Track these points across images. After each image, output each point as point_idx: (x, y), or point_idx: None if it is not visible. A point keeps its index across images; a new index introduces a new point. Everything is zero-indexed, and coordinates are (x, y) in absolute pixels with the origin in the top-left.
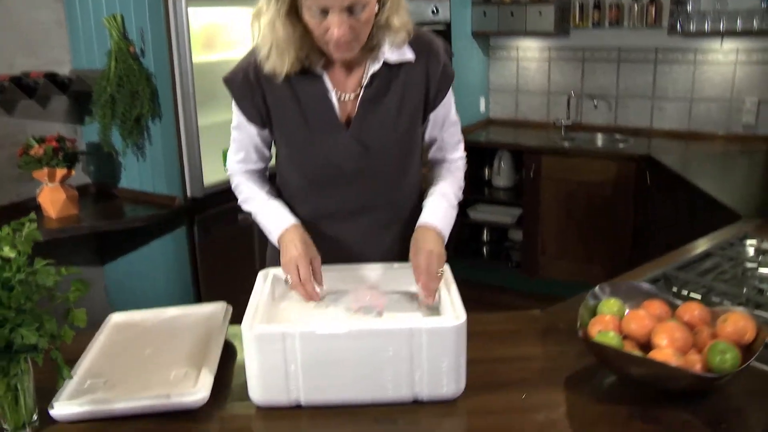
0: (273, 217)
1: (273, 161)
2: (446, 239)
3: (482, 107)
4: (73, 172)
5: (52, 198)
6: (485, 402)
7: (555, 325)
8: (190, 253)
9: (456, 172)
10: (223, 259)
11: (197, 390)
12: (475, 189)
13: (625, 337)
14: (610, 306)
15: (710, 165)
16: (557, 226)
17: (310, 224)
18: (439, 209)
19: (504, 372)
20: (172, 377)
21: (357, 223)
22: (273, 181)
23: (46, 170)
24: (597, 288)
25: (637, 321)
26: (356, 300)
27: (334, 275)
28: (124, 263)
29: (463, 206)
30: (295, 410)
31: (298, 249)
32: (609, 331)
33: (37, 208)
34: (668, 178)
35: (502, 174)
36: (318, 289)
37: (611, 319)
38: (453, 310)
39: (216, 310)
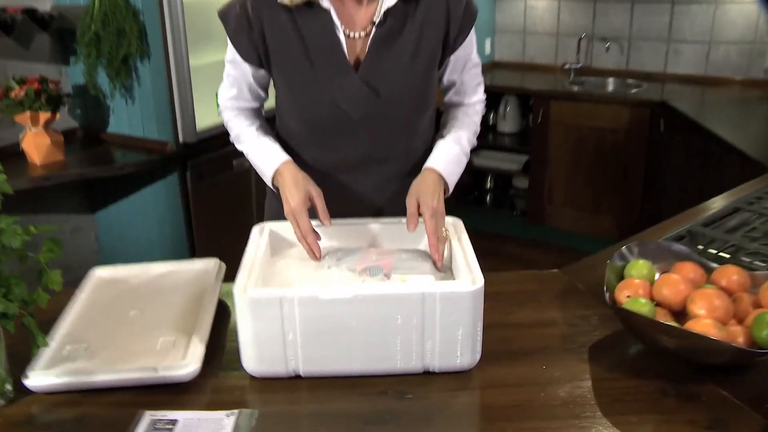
0: (264, 157)
1: (273, 103)
2: (451, 188)
3: (488, 49)
4: (58, 116)
5: (36, 143)
6: (502, 374)
7: (574, 287)
8: (183, 201)
9: (474, 116)
10: (218, 207)
11: (187, 363)
12: (479, 135)
13: (657, 303)
14: (639, 268)
15: (728, 112)
16: (565, 174)
17: (312, 176)
18: (450, 154)
19: (522, 339)
20: (159, 345)
21: (365, 175)
22: (272, 124)
23: (28, 114)
24: (624, 248)
25: (670, 286)
26: (362, 260)
27: (337, 231)
28: (115, 211)
29: None
30: (294, 381)
31: (294, 198)
32: (639, 297)
33: (21, 154)
34: (683, 125)
35: (507, 119)
36: (326, 228)
37: (641, 283)
38: (469, 272)
39: (208, 267)
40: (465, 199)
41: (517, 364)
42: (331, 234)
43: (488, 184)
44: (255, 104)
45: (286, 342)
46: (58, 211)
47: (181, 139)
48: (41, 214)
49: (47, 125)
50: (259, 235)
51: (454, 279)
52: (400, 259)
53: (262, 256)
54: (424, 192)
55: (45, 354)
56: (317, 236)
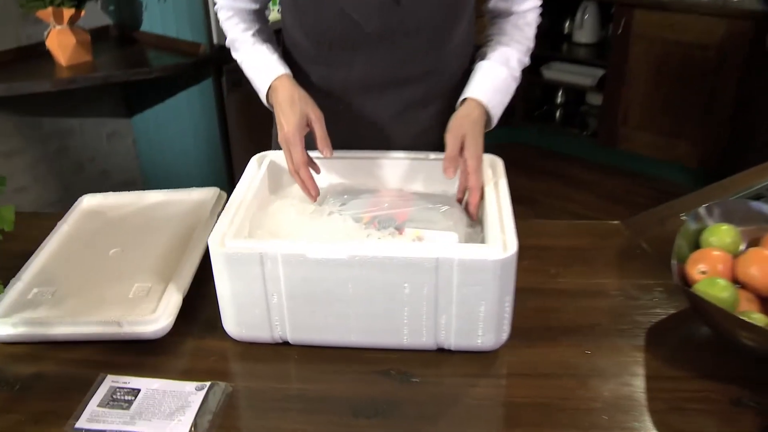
0: (259, 69)
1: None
2: (495, 123)
3: None
4: (83, 13)
5: (61, 42)
6: (533, 358)
7: (637, 246)
8: (218, 106)
9: (525, 29)
10: (254, 114)
11: (155, 318)
12: (551, 44)
13: (741, 285)
14: (720, 235)
15: None
16: (644, 93)
17: (318, 100)
18: (497, 80)
19: (564, 312)
20: (133, 293)
21: (381, 101)
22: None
23: (50, 10)
24: (702, 208)
25: (761, 264)
26: (371, 205)
27: (345, 165)
28: (151, 115)
29: (536, 63)
30: (281, 348)
31: (289, 121)
32: (717, 275)
33: (47, 54)
34: None
35: (585, 28)
36: (324, 158)
37: (721, 255)
38: (501, 233)
39: (205, 198)
40: (532, 114)
41: (554, 346)
42: (339, 170)
43: (558, 99)
44: (254, 4)
45: (270, 305)
46: (95, 114)
47: (215, 40)
48: (76, 117)
49: (72, 22)
50: (257, 168)
51: (483, 237)
52: (419, 208)
53: (255, 194)
54: (471, 132)
55: (9, 296)
56: (315, 169)
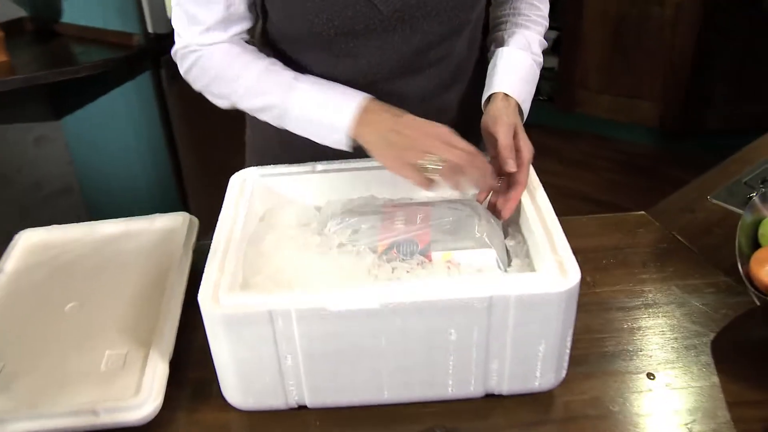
0: (326, 101)
1: None
2: (525, 116)
3: None
4: None
5: None
6: (594, 394)
7: (671, 238)
8: (158, 101)
9: (540, 5)
10: (199, 107)
11: (140, 400)
12: None
13: None
14: None
15: None
16: (601, 54)
17: None
18: (521, 68)
19: (614, 332)
20: (105, 364)
21: (392, 92)
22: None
23: None
24: (756, 198)
25: None
26: (383, 228)
27: (349, 177)
28: (84, 115)
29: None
30: (300, 414)
31: (425, 122)
32: None
33: None
34: None
35: None
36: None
37: None
38: (554, 255)
39: (174, 225)
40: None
41: (614, 374)
42: (334, 183)
43: None
44: (248, 23)
45: (283, 369)
46: (18, 119)
47: (150, 28)
48: None
49: None
50: (239, 192)
51: (526, 248)
52: (439, 221)
53: (242, 228)
54: (519, 123)
55: None
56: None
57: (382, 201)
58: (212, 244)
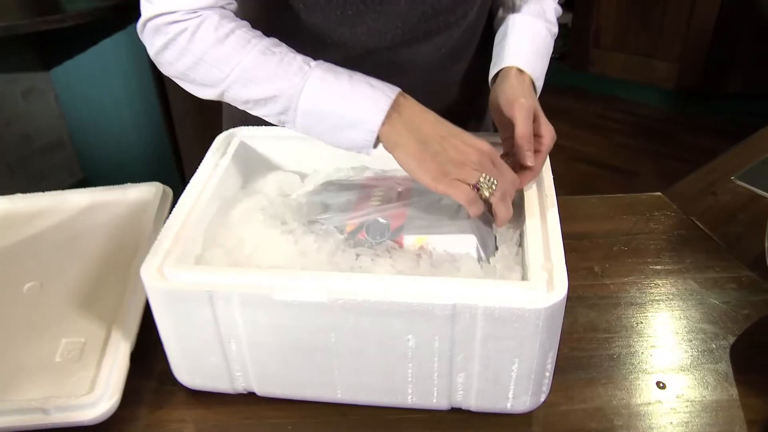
0: (355, 83)
1: None
2: (539, 91)
3: None
4: None
5: None
6: (584, 405)
7: (689, 223)
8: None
9: None
10: None
11: (94, 398)
12: None
13: None
14: None
15: None
16: (618, 10)
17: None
18: (535, 39)
19: (620, 330)
20: (61, 354)
21: (402, 59)
22: None
23: None
24: None
25: None
26: (356, 205)
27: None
28: (74, 66)
29: None
30: (250, 402)
31: (468, 136)
32: None
33: None
34: None
35: None
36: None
37: None
38: (545, 262)
39: (147, 197)
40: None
41: (620, 381)
42: (321, 152)
43: None
44: None
45: (228, 354)
46: (4, 69)
47: None
48: None
49: None
50: (220, 154)
51: (518, 237)
52: (420, 200)
53: (212, 194)
54: (538, 105)
55: None
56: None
57: (372, 173)
58: (174, 210)
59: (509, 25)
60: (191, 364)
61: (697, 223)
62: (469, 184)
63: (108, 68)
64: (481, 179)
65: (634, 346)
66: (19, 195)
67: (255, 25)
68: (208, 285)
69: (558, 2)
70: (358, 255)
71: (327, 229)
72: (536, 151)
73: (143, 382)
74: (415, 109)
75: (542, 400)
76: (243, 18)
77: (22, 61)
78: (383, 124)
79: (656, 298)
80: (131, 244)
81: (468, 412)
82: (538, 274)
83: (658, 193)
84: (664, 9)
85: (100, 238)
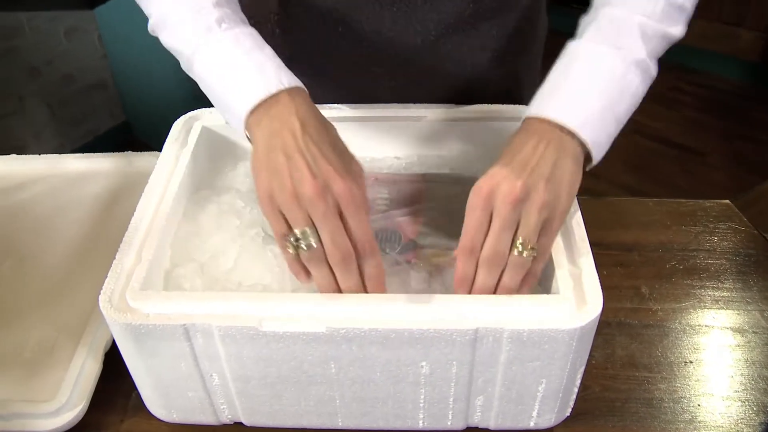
0: (240, 71)
1: None
2: (599, 157)
3: None
4: None
5: None
6: None
7: (761, 240)
8: None
9: None
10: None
11: (56, 406)
12: None
13: None
14: None
15: None
16: None
17: (312, 27)
18: (597, 83)
19: (660, 366)
20: (31, 349)
21: (407, 19)
22: None
23: None
24: None
25: None
26: None
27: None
28: (117, 7)
29: None
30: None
31: (337, 167)
32: None
33: None
34: None
35: None
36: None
37: None
38: (574, 280)
39: (149, 168)
40: None
41: (646, 419)
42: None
43: None
44: None
45: (210, 388)
46: (46, 5)
47: None
48: (22, 10)
49: None
50: (182, 142)
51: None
52: (434, 205)
53: (178, 192)
54: (540, 202)
55: None
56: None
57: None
58: (131, 221)
59: (566, 52)
60: (166, 400)
61: None
62: (288, 226)
63: None
64: (298, 230)
65: (678, 392)
66: (14, 155)
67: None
68: (183, 317)
69: (676, 25)
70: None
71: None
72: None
73: (116, 389)
74: (286, 110)
75: (567, 414)
76: None
77: None
78: (249, 115)
79: (713, 332)
80: (127, 222)
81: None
82: (567, 286)
83: (726, 201)
84: None
85: (93, 211)
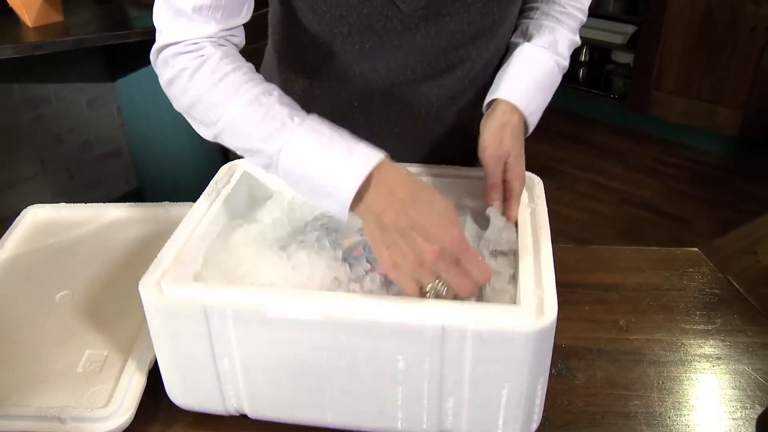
0: (335, 146)
1: None
2: (532, 129)
3: None
4: None
5: (25, 1)
6: None
7: (726, 284)
8: None
9: None
10: None
11: (109, 412)
12: None
13: None
14: None
15: None
16: (682, 53)
17: (329, 107)
18: (539, 72)
19: (636, 389)
20: (83, 364)
21: (412, 98)
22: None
23: None
24: None
25: None
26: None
27: None
28: (137, 81)
29: None
30: (239, 424)
31: (454, 224)
32: None
33: (10, 13)
34: None
35: None
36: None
37: None
38: (536, 287)
39: (182, 216)
40: None
41: None
42: None
43: (583, 57)
44: (241, 19)
45: (220, 372)
46: (73, 79)
47: None
48: (51, 83)
49: None
50: (225, 181)
51: (511, 273)
52: None
53: (214, 218)
54: (515, 149)
55: None
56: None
57: None
58: (175, 232)
59: (515, 53)
60: (184, 382)
61: (733, 283)
62: (420, 287)
63: None
64: (429, 286)
65: (651, 407)
66: (64, 204)
67: (283, 57)
68: (204, 301)
69: (578, 33)
70: (350, 279)
71: (322, 244)
72: (507, 199)
73: (158, 400)
74: (384, 189)
75: (533, 429)
76: (272, 51)
77: (91, 71)
78: (354, 197)
79: (682, 357)
80: None
81: None
82: (529, 299)
83: (695, 249)
84: (731, 54)
85: (135, 252)
